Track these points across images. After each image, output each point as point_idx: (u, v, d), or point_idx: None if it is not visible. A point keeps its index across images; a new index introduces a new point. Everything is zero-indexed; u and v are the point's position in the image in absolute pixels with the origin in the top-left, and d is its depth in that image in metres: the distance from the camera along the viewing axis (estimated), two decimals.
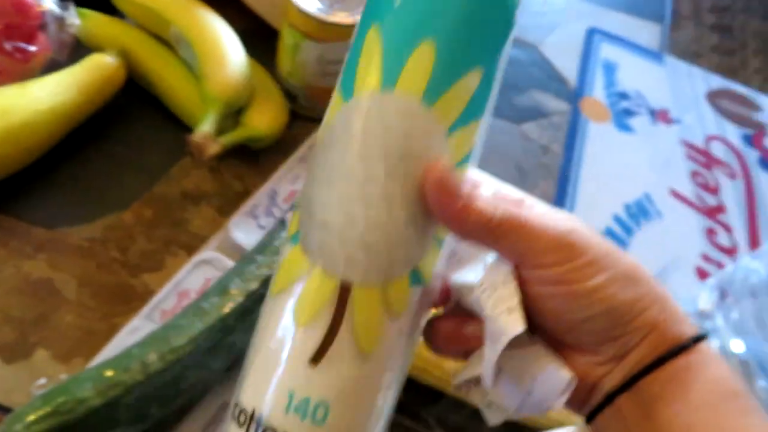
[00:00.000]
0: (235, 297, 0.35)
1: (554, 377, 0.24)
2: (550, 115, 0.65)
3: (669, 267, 0.58)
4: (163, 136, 0.53)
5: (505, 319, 0.23)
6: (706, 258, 0.60)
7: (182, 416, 0.36)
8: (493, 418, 0.27)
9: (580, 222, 0.25)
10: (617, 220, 0.60)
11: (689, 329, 0.24)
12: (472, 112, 0.24)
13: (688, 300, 0.55)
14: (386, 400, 0.25)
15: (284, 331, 0.24)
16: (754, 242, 0.62)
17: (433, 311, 0.27)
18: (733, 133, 0.70)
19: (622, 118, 0.67)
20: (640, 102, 0.69)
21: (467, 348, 0.26)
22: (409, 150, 0.23)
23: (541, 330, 0.25)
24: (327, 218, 0.23)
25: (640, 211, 0.61)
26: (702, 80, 0.73)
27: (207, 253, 0.43)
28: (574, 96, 0.67)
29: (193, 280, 0.41)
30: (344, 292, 0.23)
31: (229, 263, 0.41)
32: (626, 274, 0.24)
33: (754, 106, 0.73)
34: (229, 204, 0.51)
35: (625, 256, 0.25)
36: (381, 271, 0.23)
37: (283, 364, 0.23)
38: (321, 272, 0.23)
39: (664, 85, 0.71)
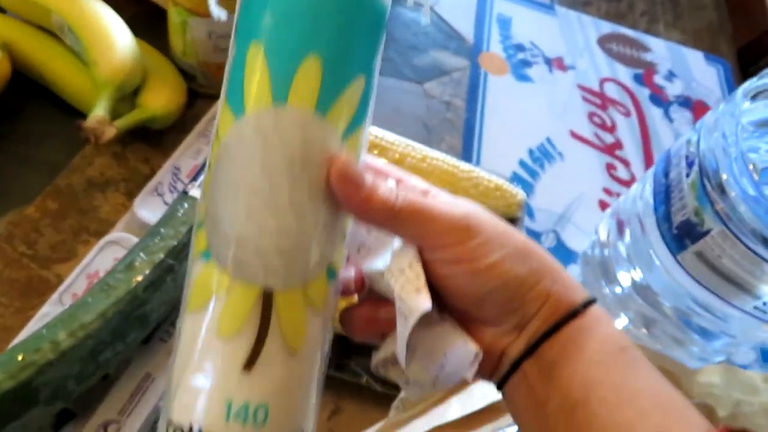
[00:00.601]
0: (142, 269, 0.36)
1: (462, 351, 0.26)
2: (451, 72, 0.67)
3: (574, 203, 0.62)
4: (60, 127, 0.52)
5: (414, 299, 0.25)
6: (607, 191, 0.63)
7: (106, 390, 0.36)
8: (413, 394, 0.29)
9: (478, 207, 0.27)
10: (523, 165, 0.63)
11: (580, 296, 0.27)
12: (360, 115, 0.26)
13: (592, 232, 0.58)
14: (318, 386, 0.26)
15: (211, 345, 0.24)
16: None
17: (350, 300, 0.29)
18: (625, 73, 0.74)
19: (520, 69, 0.70)
20: (535, 52, 0.72)
21: (383, 331, 0.28)
22: (309, 158, 0.24)
23: (449, 308, 0.27)
24: (240, 232, 0.24)
25: (543, 155, 0.64)
26: (592, 26, 0.77)
27: (114, 234, 0.43)
28: (473, 52, 0.70)
29: (101, 261, 0.41)
30: (267, 299, 0.24)
31: (136, 241, 0.41)
32: (519, 251, 0.26)
33: (643, 47, 0.77)
34: (137, 187, 0.50)
35: (518, 234, 0.27)
36: (300, 274, 0.25)
37: (216, 376, 0.24)
38: (241, 284, 0.24)
39: (557, 35, 0.75)
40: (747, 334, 0.47)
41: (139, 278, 0.35)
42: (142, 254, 0.36)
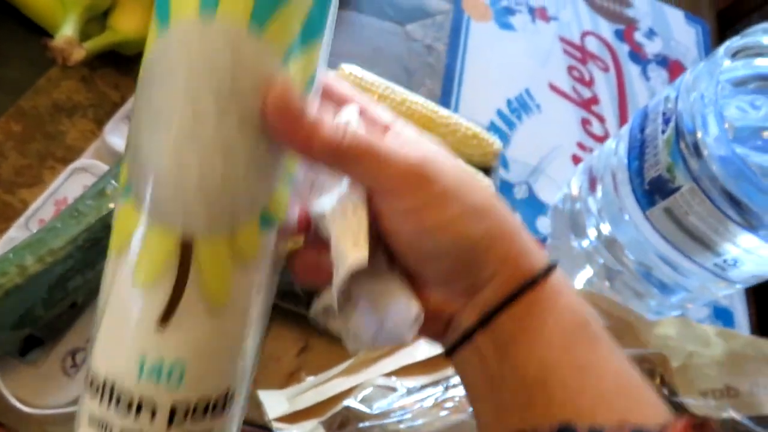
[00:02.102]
0: (114, 197, 0.35)
1: (404, 310, 0.24)
2: (434, 14, 0.66)
3: (548, 156, 0.62)
4: (25, 46, 0.49)
5: (349, 250, 0.23)
6: (581, 146, 0.64)
7: (74, 318, 0.36)
8: (354, 347, 0.27)
9: (441, 151, 0.24)
10: (500, 114, 0.62)
11: (540, 261, 0.24)
12: (309, 33, 0.22)
13: (564, 185, 0.59)
14: (248, 351, 0.24)
15: (127, 294, 0.22)
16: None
17: (295, 241, 0.27)
18: (606, 28, 0.73)
19: (503, 16, 0.69)
20: (519, 0, 0.71)
21: (329, 278, 0.25)
22: (240, 83, 0.21)
23: (397, 262, 0.25)
24: (157, 167, 0.21)
25: (521, 106, 0.64)
26: None
27: (83, 160, 0.41)
28: None
29: (69, 187, 0.40)
30: (186, 247, 0.21)
31: (106, 168, 0.40)
32: (476, 207, 0.24)
33: (625, 2, 0.76)
34: (106, 114, 0.49)
35: (480, 187, 0.24)
36: (225, 221, 0.22)
37: (130, 328, 0.22)
38: (158, 227, 0.21)
39: None
40: (703, 290, 0.49)
41: (111, 205, 0.35)
42: (113, 182, 0.35)
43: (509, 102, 0.64)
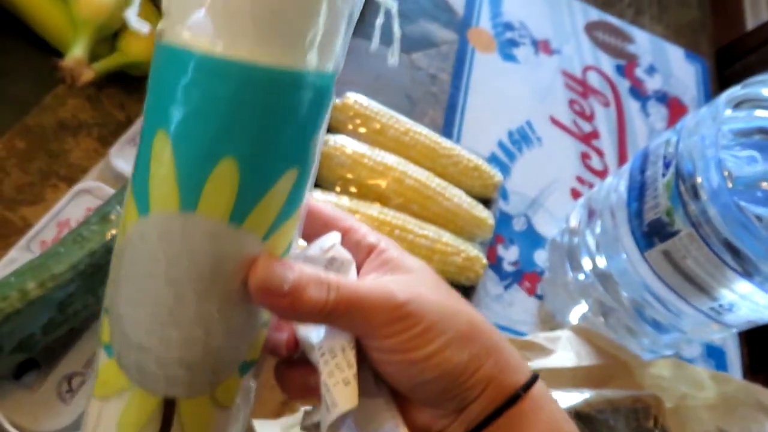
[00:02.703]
0: (117, 223, 0.35)
1: None
2: (439, 44, 0.67)
3: (547, 189, 0.63)
4: (33, 63, 0.49)
5: (341, 391, 0.23)
6: (580, 180, 0.65)
7: (72, 342, 0.36)
8: None
9: (425, 280, 0.26)
10: (501, 145, 0.63)
11: (523, 376, 0.26)
12: (288, 209, 0.23)
13: (562, 219, 0.59)
14: None
15: None
16: (622, 164, 0.67)
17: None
18: (608, 63, 0.74)
19: (507, 48, 0.70)
20: (523, 33, 0.72)
21: (316, 395, 0.26)
22: (219, 269, 0.22)
23: (386, 384, 0.26)
24: (140, 341, 0.22)
25: (522, 138, 0.65)
26: (580, 12, 0.77)
27: (87, 182, 0.41)
28: (462, 26, 0.69)
29: (73, 209, 0.40)
30: (169, 407, 0.22)
31: (110, 191, 0.40)
32: (461, 335, 0.25)
33: (627, 38, 0.77)
34: (110, 134, 0.49)
35: (464, 312, 0.26)
36: (206, 382, 0.23)
37: None
38: (141, 391, 0.22)
39: (546, 16, 0.74)
40: (696, 331, 0.50)
41: (114, 231, 0.35)
42: (118, 207, 0.35)
43: (510, 133, 0.64)
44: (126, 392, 0.23)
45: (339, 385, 0.23)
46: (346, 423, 0.25)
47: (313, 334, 0.25)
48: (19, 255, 0.37)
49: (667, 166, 0.44)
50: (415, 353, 0.24)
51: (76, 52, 0.43)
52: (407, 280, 0.25)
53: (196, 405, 0.23)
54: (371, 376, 0.25)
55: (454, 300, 0.26)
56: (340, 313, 0.23)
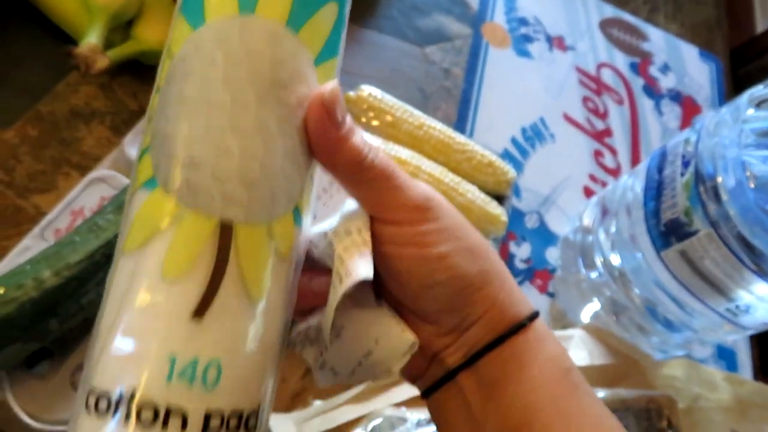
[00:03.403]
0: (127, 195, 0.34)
1: (397, 339, 0.24)
2: (453, 39, 0.66)
3: (559, 186, 0.62)
4: (45, 50, 0.49)
5: (356, 262, 0.22)
6: (593, 178, 0.64)
7: (86, 332, 0.35)
8: (323, 380, 0.26)
9: (441, 196, 0.25)
10: (514, 142, 0.63)
11: (525, 308, 0.25)
12: (331, 47, 0.23)
13: (575, 216, 0.59)
14: (279, 349, 0.23)
15: (152, 289, 0.20)
16: (635, 163, 0.67)
17: None
18: (622, 60, 0.74)
19: (521, 43, 0.69)
20: (538, 28, 0.71)
21: (312, 305, 0.26)
22: (278, 75, 0.21)
23: (388, 296, 0.25)
24: (194, 154, 0.21)
25: (535, 134, 0.64)
26: (595, 9, 0.76)
27: (101, 171, 0.41)
28: (476, 20, 0.68)
29: (87, 198, 0.39)
30: (226, 233, 0.20)
31: (125, 181, 0.40)
32: (472, 248, 0.24)
33: (642, 36, 0.77)
34: (123, 123, 0.48)
35: (474, 231, 0.25)
36: (265, 207, 0.21)
37: (157, 327, 0.20)
38: (194, 214, 0.20)
39: (561, 13, 0.74)
40: (708, 332, 0.49)
41: None
42: None
43: (524, 130, 0.64)
44: (173, 222, 0.20)
45: (354, 256, 0.23)
46: (343, 332, 0.24)
47: (325, 225, 0.25)
48: (33, 243, 0.37)
49: (686, 165, 0.43)
50: (429, 249, 0.23)
51: (91, 39, 0.43)
52: (428, 187, 0.25)
53: (254, 237, 0.21)
54: (372, 293, 0.24)
55: (465, 220, 0.26)
56: (371, 174, 0.23)
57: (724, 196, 0.40)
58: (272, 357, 0.22)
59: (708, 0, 0.86)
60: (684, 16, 0.82)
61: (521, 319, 0.25)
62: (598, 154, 0.66)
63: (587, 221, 0.55)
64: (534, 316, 0.25)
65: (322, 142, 0.22)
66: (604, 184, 0.64)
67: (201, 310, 0.20)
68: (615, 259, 0.50)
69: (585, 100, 0.69)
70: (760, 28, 0.84)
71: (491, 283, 0.24)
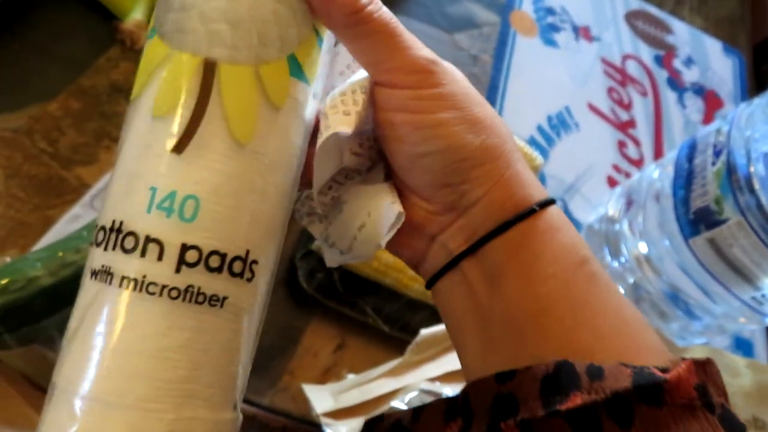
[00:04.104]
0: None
1: (386, 210, 0.23)
2: (481, 26, 0.67)
3: (584, 175, 0.63)
4: (88, 24, 0.50)
5: (338, 118, 0.22)
6: (617, 168, 0.65)
7: None
8: (331, 259, 0.26)
9: (450, 65, 0.23)
10: (540, 130, 0.63)
11: (537, 193, 0.23)
12: None
13: (598, 205, 0.60)
14: (272, 213, 0.22)
15: (144, 127, 0.21)
16: (658, 154, 0.67)
17: None
18: (647, 53, 0.74)
19: (548, 32, 0.70)
20: (564, 18, 0.72)
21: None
22: None
23: (387, 170, 0.24)
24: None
25: (560, 123, 0.65)
26: (621, 0, 0.77)
27: None
28: (505, 8, 0.69)
29: None
30: (209, 71, 0.21)
31: None
32: (477, 120, 0.22)
33: (666, 29, 0.77)
34: None
35: (485, 104, 0.23)
36: (250, 48, 0.21)
37: (141, 160, 0.20)
38: (180, 55, 0.21)
39: (587, 3, 0.74)
40: (728, 320, 0.50)
41: None
42: None
43: (549, 118, 0.64)
44: (164, 63, 0.21)
45: (339, 113, 0.22)
46: (345, 206, 0.24)
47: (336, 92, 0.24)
48: (82, 211, 0.38)
49: (717, 154, 0.44)
50: (424, 116, 0.22)
51: (136, 15, 0.44)
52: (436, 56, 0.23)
53: (238, 77, 0.21)
54: (383, 171, 0.24)
55: (479, 95, 0.23)
56: (370, 28, 0.21)
57: (757, 186, 0.40)
58: (266, 208, 0.22)
59: None
60: (708, 10, 0.83)
61: (531, 205, 0.22)
62: (621, 144, 0.66)
63: (612, 211, 0.56)
64: (547, 203, 0.22)
65: None
66: (627, 175, 0.64)
67: (181, 145, 0.20)
68: (642, 247, 0.51)
69: (610, 90, 0.69)
70: None
71: (495, 160, 0.22)
